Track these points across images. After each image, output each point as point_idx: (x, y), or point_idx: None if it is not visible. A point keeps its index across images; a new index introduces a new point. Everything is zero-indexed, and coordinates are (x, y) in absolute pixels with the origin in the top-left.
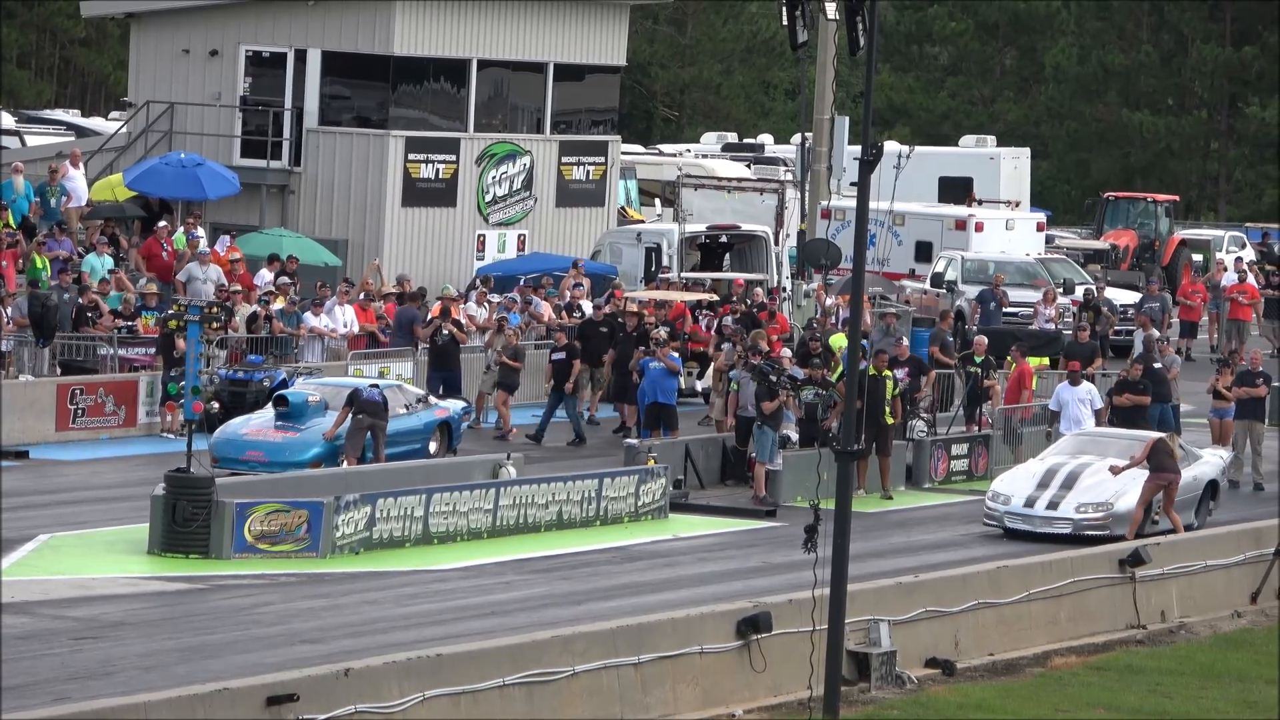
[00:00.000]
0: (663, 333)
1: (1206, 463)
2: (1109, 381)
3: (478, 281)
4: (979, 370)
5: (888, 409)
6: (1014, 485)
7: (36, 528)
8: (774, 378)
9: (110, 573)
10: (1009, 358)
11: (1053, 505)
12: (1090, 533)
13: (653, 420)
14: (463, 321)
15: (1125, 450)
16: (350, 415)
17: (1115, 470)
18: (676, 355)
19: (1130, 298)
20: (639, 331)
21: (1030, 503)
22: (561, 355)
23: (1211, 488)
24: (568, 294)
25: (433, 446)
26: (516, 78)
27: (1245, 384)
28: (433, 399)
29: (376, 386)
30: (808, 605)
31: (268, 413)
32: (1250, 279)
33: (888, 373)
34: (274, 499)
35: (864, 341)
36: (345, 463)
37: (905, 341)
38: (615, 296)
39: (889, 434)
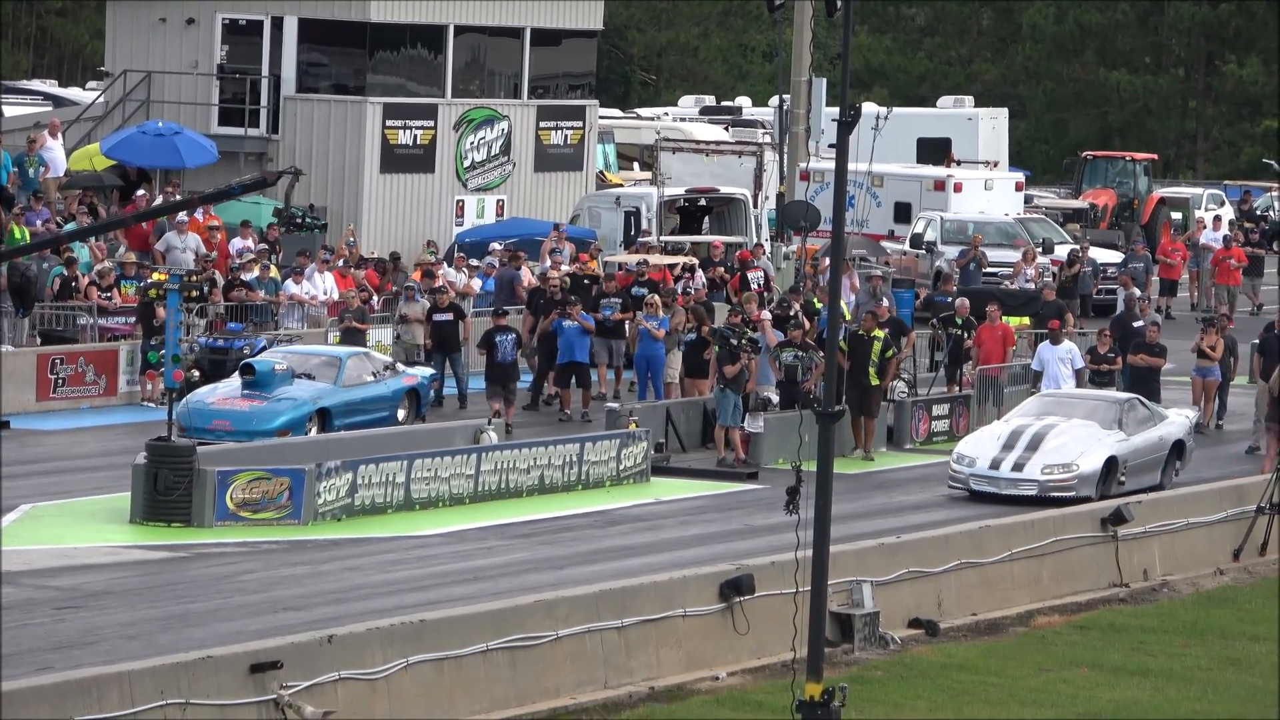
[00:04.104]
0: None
1: (1173, 423)
2: (1088, 340)
3: (456, 248)
4: (960, 331)
5: (872, 369)
6: (979, 447)
7: (18, 498)
8: (734, 341)
9: (92, 542)
10: (987, 317)
11: (1018, 467)
12: (1056, 494)
13: (564, 379)
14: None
15: (1091, 412)
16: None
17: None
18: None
19: (1109, 256)
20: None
21: (995, 464)
22: (447, 316)
23: (1178, 448)
24: (547, 259)
25: (401, 414)
26: (493, 43)
27: (1271, 352)
28: (400, 366)
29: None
30: (790, 567)
31: (234, 382)
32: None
33: (877, 333)
34: (256, 466)
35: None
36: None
37: (886, 302)
38: (581, 260)
39: (875, 395)
